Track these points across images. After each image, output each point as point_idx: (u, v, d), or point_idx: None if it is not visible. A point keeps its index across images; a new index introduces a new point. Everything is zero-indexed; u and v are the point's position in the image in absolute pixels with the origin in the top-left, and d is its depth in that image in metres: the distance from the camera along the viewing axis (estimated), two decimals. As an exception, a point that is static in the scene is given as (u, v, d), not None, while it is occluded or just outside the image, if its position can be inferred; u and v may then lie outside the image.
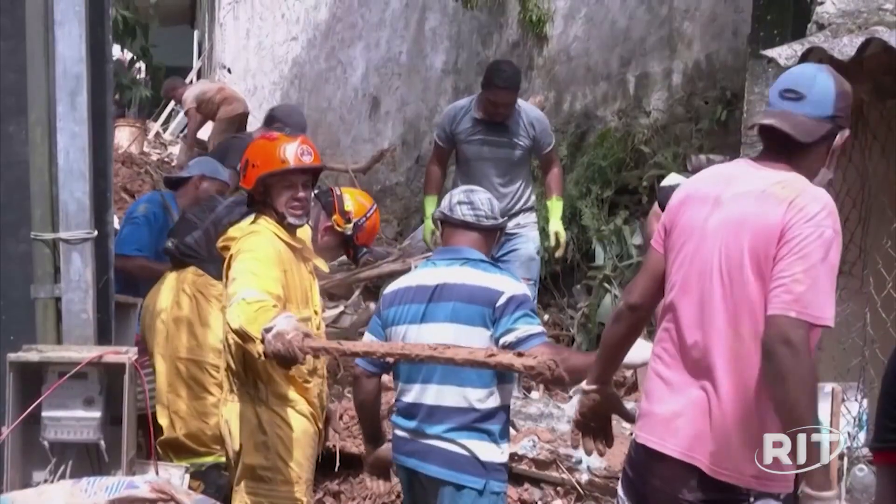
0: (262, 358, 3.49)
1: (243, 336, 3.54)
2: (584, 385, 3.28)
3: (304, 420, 4.07)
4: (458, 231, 3.94)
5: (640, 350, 3.41)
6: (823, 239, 2.73)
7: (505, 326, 3.70)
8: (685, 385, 2.92)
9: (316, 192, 4.56)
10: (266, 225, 4.04)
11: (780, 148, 2.91)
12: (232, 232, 4.17)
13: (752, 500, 2.84)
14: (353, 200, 4.93)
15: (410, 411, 3.81)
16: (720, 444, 2.83)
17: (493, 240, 4.00)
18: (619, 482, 3.21)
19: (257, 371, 3.99)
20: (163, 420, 4.99)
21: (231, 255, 3.94)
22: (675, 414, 2.92)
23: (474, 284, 3.78)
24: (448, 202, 3.99)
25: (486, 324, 3.72)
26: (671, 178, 5.98)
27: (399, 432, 3.86)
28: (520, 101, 6.38)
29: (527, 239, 6.38)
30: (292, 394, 4.04)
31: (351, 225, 4.85)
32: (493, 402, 3.74)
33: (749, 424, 2.81)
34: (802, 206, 2.76)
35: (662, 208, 5.95)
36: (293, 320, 3.42)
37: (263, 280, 3.75)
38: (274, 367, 3.84)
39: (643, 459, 3.03)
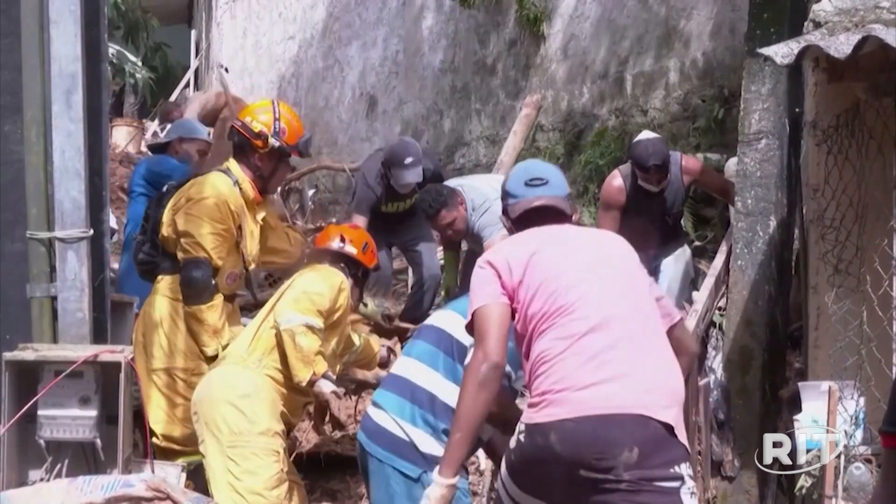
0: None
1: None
2: (441, 479, 3.16)
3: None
4: None
5: None
6: None
7: None
8: (621, 360, 3.07)
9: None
10: None
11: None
12: None
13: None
14: (256, 119, 4.87)
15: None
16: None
17: None
18: (509, 485, 3.15)
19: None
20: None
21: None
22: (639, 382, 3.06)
23: None
24: None
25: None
26: (644, 134, 6.07)
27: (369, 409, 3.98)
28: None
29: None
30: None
31: (274, 138, 4.84)
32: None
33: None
34: None
35: (637, 165, 6.02)
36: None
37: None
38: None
39: (587, 435, 2.98)
